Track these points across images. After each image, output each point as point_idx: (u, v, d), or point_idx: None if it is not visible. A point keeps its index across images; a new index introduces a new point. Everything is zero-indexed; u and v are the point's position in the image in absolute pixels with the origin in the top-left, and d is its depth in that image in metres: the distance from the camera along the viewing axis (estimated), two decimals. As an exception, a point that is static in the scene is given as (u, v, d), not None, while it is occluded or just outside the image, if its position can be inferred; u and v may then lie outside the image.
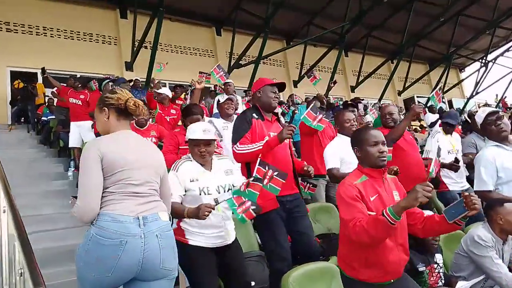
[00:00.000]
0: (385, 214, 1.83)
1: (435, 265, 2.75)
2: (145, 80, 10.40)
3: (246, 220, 2.38)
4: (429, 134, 7.48)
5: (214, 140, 2.59)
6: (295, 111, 7.10)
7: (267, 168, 2.45)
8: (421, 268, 2.68)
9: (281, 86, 3.00)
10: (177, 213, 2.36)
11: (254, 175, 2.47)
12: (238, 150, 2.77)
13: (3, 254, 2.75)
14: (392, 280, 2.08)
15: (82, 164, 1.87)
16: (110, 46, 12.00)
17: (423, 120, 10.78)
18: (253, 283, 2.81)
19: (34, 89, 9.19)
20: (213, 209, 2.27)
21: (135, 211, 1.85)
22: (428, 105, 10.50)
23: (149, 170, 1.98)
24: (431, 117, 9.28)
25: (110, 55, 11.81)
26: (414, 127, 11.03)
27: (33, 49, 10.29)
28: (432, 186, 1.82)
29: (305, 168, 2.86)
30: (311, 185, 3.69)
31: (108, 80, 6.95)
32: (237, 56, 13.31)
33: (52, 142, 7.68)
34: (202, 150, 2.52)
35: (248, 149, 2.74)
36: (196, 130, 2.56)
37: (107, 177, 1.86)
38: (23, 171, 5.82)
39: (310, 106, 3.17)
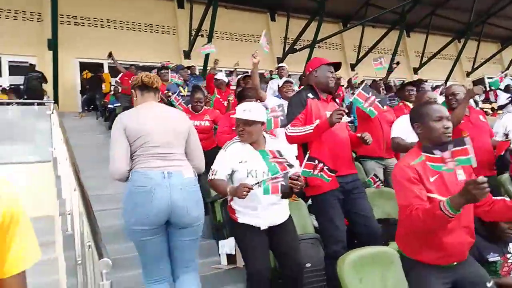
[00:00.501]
0: (442, 208, 1.70)
1: (509, 255, 2.54)
2: (202, 67, 10.65)
3: (269, 192, 2.29)
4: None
5: (256, 121, 2.50)
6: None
7: (316, 162, 2.48)
8: (493, 258, 2.48)
9: (337, 66, 2.91)
10: (220, 191, 2.46)
11: (302, 170, 2.47)
12: (289, 132, 2.75)
13: (75, 229, 2.99)
14: (455, 263, 1.95)
15: (111, 135, 2.29)
16: (169, 36, 12.41)
17: (494, 102, 9.98)
18: (308, 265, 2.79)
19: (101, 77, 9.79)
20: (252, 189, 2.27)
21: (160, 168, 2.21)
22: (499, 87, 9.68)
23: (169, 134, 2.31)
24: (502, 98, 8.56)
25: (168, 44, 12.23)
26: (485, 109, 10.25)
27: (98, 41, 10.92)
28: (486, 180, 1.62)
29: (360, 135, 2.71)
30: None
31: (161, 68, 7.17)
32: (292, 41, 13.15)
33: (117, 128, 8.14)
34: (240, 129, 2.51)
35: (299, 132, 2.70)
36: (238, 110, 2.56)
37: (132, 143, 2.27)
38: (93, 154, 6.22)
39: (361, 86, 3.04)
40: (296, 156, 2.78)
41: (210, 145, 4.35)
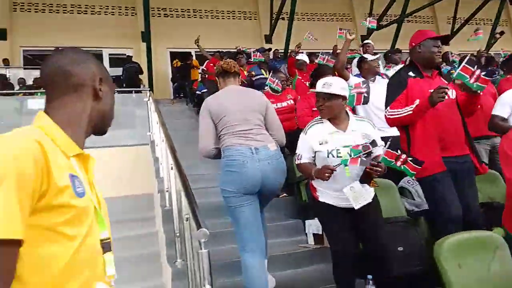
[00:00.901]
0: None
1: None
2: (283, 51, 10.65)
3: (347, 163, 2.23)
4: None
5: (336, 94, 2.41)
6: (451, 71, 6.35)
7: (399, 152, 2.37)
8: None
9: (444, 40, 2.70)
10: (306, 173, 2.49)
11: (382, 157, 2.37)
12: (389, 114, 2.64)
13: (173, 204, 3.24)
14: None
15: (199, 117, 2.64)
16: (250, 21, 12.60)
17: None
18: (400, 249, 2.69)
19: (191, 64, 10.33)
20: (335, 170, 2.23)
21: (247, 144, 2.47)
22: None
23: (248, 111, 2.56)
24: None
25: (250, 30, 12.42)
26: None
27: (186, 30, 11.48)
28: None
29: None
30: None
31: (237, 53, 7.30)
32: (377, 17, 12.45)
33: (207, 112, 8.56)
34: (320, 104, 2.45)
35: (399, 114, 2.58)
36: (318, 84, 2.50)
37: (217, 124, 2.56)
38: (184, 138, 6.63)
39: (465, 60, 2.77)
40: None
41: (294, 126, 4.36)
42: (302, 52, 8.43)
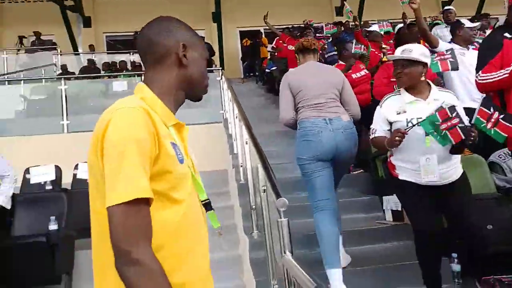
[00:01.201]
0: None
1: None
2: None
3: (449, 141, 2.07)
4: None
5: (415, 61, 2.26)
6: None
7: (492, 110, 2.15)
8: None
9: None
10: (381, 147, 2.44)
11: (475, 117, 2.14)
12: (480, 79, 2.45)
13: (248, 178, 3.33)
14: None
15: (280, 90, 2.87)
16: (320, -6, 12.21)
17: None
18: (489, 227, 2.51)
19: (260, 42, 10.36)
20: (406, 133, 2.13)
21: (321, 116, 2.62)
22: None
23: (324, 86, 2.71)
24: None
25: (320, 3, 12.04)
26: None
27: (255, 9, 11.44)
28: None
29: None
30: None
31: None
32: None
33: (277, 90, 8.56)
34: (398, 72, 2.32)
35: (491, 78, 2.37)
36: (397, 51, 2.39)
37: (295, 96, 2.74)
38: (254, 115, 6.73)
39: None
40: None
41: (369, 99, 4.20)
42: (376, 22, 8.04)
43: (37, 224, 3.55)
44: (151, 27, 1.07)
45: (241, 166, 4.06)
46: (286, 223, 1.72)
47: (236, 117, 4.52)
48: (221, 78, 6.93)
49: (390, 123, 2.36)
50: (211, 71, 8.22)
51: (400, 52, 2.34)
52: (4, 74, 8.83)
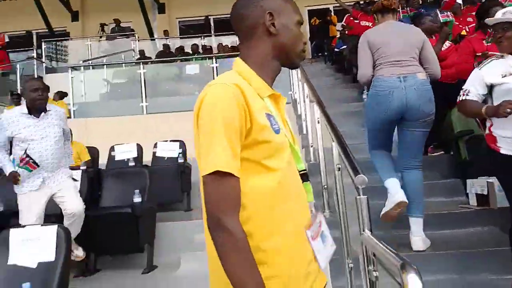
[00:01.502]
0: None
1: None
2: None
3: None
4: None
5: None
6: None
7: None
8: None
9: None
10: (474, 111, 2.29)
11: None
12: None
13: (321, 157, 3.29)
14: None
15: (358, 49, 2.85)
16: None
17: None
18: None
19: (329, 20, 10.06)
20: None
21: (396, 73, 2.63)
22: None
23: (404, 44, 2.70)
24: None
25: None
26: None
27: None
28: None
29: None
30: None
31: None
32: None
33: (346, 70, 8.31)
34: (499, 36, 2.15)
35: None
36: (497, 14, 2.22)
37: (374, 53, 2.75)
38: (323, 96, 6.60)
39: None
40: None
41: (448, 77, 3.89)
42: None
43: (122, 197, 3.85)
44: (239, 2, 1.09)
45: (311, 146, 4.02)
46: (365, 201, 1.67)
47: (307, 97, 4.46)
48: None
49: (489, 88, 2.18)
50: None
51: (501, 14, 2.18)
52: (88, 60, 9.57)
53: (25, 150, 2.93)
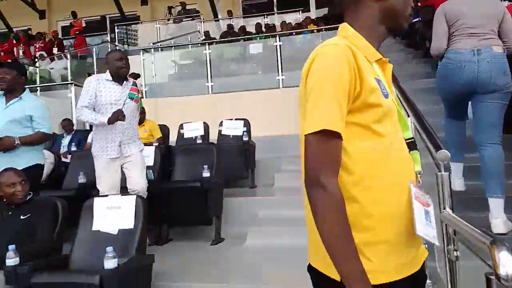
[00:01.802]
0: None
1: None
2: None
3: None
4: None
5: None
6: None
7: None
8: None
9: None
10: None
11: None
12: None
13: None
14: None
15: (434, 20, 2.84)
16: None
17: None
18: None
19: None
20: None
21: (471, 46, 2.64)
22: None
23: (482, 17, 2.66)
24: None
25: None
26: None
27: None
28: None
29: None
30: None
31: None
32: None
33: (417, 44, 7.80)
34: None
35: None
36: None
37: (450, 26, 2.75)
38: (395, 72, 6.28)
39: None
40: None
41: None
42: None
43: (192, 172, 4.01)
44: None
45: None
46: (446, 177, 1.57)
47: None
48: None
49: None
50: (330, 29, 7.85)
51: None
52: (157, 42, 9.96)
53: (134, 82, 3.26)
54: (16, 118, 2.99)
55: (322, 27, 8.15)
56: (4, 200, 2.53)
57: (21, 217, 2.46)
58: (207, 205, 3.57)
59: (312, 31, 8.25)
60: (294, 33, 8.37)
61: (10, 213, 2.49)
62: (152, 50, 8.40)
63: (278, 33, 7.65)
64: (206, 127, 5.47)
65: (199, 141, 5.08)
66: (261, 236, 3.56)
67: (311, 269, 1.01)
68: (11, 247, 2.17)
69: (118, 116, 3.07)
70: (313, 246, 0.99)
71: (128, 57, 3.55)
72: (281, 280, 2.85)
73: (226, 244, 3.63)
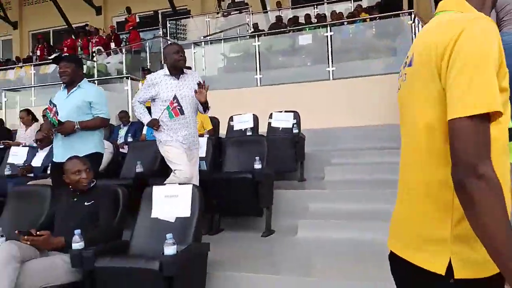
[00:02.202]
0: None
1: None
2: None
3: None
4: None
5: None
6: None
7: None
8: None
9: None
10: None
11: None
12: None
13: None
14: None
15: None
16: None
17: None
18: None
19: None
20: None
21: None
22: None
23: None
24: None
25: None
26: None
27: None
28: None
29: None
30: None
31: None
32: None
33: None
34: None
35: None
36: None
37: (499, 12, 2.86)
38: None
39: None
40: None
41: None
42: None
43: (243, 163, 4.05)
44: None
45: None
46: None
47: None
48: (413, 22, 6.26)
49: None
50: (397, 15, 7.51)
51: None
52: (207, 36, 10.11)
53: (174, 95, 3.15)
54: (78, 105, 3.17)
55: (376, 15, 7.84)
56: (70, 187, 2.68)
57: (85, 203, 2.60)
58: (258, 197, 3.58)
59: (364, 20, 7.97)
60: (345, 23, 8.14)
61: (75, 199, 2.64)
62: (202, 43, 8.54)
63: (329, 22, 7.45)
64: (256, 119, 5.49)
65: (248, 133, 5.11)
66: (312, 229, 3.52)
67: (417, 271, 0.91)
68: (77, 231, 2.31)
69: (153, 125, 3.24)
70: (435, 244, 0.89)
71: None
72: (333, 273, 2.82)
73: (277, 236, 3.63)
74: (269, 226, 3.71)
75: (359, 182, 4.34)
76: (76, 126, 3.11)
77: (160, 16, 12.34)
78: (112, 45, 10.66)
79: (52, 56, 3.91)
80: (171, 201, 2.58)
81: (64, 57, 3.36)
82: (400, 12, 7.65)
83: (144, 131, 5.75)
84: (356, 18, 8.11)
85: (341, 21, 8.15)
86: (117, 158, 4.72)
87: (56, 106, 3.06)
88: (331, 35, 6.95)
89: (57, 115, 3.03)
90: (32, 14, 14.96)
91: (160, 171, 4.24)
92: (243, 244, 3.45)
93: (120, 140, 5.62)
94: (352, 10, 9.48)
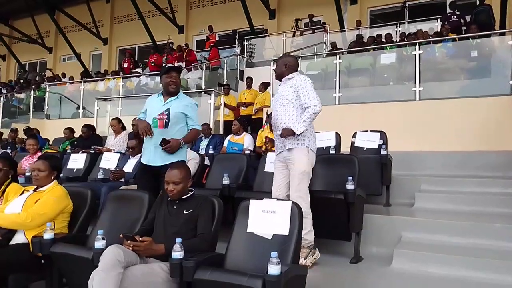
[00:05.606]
0: None
1: None
2: None
3: None
4: None
5: None
6: None
7: None
8: None
9: None
10: None
11: None
12: None
13: None
14: None
15: None
16: None
17: None
18: None
19: None
20: None
21: None
22: None
23: None
24: None
25: None
26: None
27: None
28: None
29: None
30: None
31: None
32: None
33: None
34: None
35: None
36: None
37: None
38: None
39: None
40: None
41: None
42: None
43: (330, 183, 3.87)
44: None
45: None
46: None
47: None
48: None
49: None
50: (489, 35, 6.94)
51: None
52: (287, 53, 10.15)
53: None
54: (173, 114, 3.25)
55: (467, 35, 7.35)
56: (169, 194, 2.70)
57: (184, 211, 2.59)
58: (349, 220, 3.38)
59: (454, 40, 7.49)
60: (431, 42, 7.71)
61: (174, 207, 2.64)
62: (280, 60, 8.55)
63: (417, 41, 7.08)
64: (338, 138, 5.30)
65: (332, 151, 4.92)
66: (407, 260, 3.23)
67: None
68: (178, 240, 2.26)
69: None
70: None
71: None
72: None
73: (367, 264, 3.38)
74: (358, 253, 3.47)
75: (456, 213, 3.95)
76: (182, 144, 3.24)
77: (237, 35, 12.66)
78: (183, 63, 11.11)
79: (167, 66, 4.12)
80: (269, 217, 2.47)
81: (175, 68, 3.47)
82: (498, 31, 7.11)
83: (225, 144, 5.81)
84: (445, 37, 7.65)
85: (428, 40, 7.73)
86: (203, 169, 4.78)
87: (168, 115, 3.24)
88: (420, 53, 6.61)
89: (166, 121, 3.23)
90: (121, 32, 16.20)
91: (246, 185, 4.21)
92: (332, 269, 3.25)
93: (201, 152, 5.72)
94: (439, 29, 9.00)
